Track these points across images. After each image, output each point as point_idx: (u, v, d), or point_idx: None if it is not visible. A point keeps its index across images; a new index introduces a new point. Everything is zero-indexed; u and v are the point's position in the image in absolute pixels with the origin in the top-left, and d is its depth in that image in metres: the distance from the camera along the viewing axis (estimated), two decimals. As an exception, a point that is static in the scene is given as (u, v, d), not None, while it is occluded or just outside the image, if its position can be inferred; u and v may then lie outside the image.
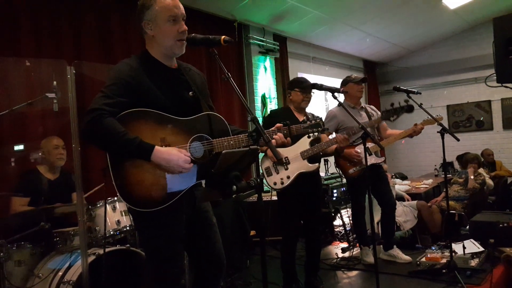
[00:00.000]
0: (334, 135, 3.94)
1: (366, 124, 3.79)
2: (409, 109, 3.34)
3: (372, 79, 9.38)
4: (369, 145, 3.63)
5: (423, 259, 3.86)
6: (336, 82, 6.72)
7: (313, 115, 3.37)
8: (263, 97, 6.07)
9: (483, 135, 8.49)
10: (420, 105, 3.44)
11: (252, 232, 4.50)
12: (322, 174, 4.58)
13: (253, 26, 5.98)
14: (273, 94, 6.25)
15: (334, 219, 5.31)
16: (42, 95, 2.81)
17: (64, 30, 3.85)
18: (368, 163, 3.40)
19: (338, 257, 4.27)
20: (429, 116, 3.58)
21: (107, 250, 2.71)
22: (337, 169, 3.79)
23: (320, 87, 3.02)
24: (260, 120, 5.36)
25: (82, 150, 2.63)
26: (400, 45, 8.54)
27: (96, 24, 4.11)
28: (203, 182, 1.93)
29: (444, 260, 3.68)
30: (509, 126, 8.24)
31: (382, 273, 3.47)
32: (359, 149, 3.46)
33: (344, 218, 5.14)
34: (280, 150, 2.96)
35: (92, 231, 2.99)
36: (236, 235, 4.20)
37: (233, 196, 4.25)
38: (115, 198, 3.06)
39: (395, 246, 4.02)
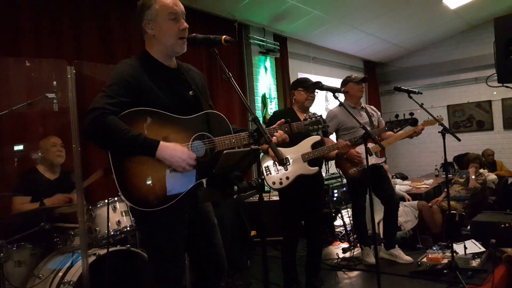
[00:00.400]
0: (334, 135, 3.94)
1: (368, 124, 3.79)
2: (414, 122, 3.39)
3: (372, 79, 9.37)
4: (370, 145, 3.62)
5: (424, 260, 3.85)
6: (336, 82, 6.71)
7: (313, 113, 3.37)
8: (264, 97, 6.07)
9: (483, 135, 8.49)
10: (421, 105, 3.45)
11: (253, 233, 4.50)
12: (323, 174, 4.56)
13: (253, 26, 5.98)
14: (274, 94, 6.25)
15: (335, 219, 5.30)
16: (42, 95, 2.81)
17: (65, 30, 3.84)
18: (369, 164, 3.39)
19: (339, 258, 4.26)
20: (429, 117, 3.58)
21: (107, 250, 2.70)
22: (338, 169, 3.79)
23: (322, 87, 3.02)
24: (260, 120, 5.36)
25: (82, 151, 2.63)
26: (400, 45, 8.53)
27: (96, 24, 4.11)
28: (204, 182, 1.93)
29: (445, 261, 3.68)
30: (509, 126, 8.23)
31: (383, 274, 3.46)
32: (360, 149, 3.46)
33: (344, 218, 5.14)
34: (281, 150, 2.99)
35: (93, 232, 2.98)
36: (236, 235, 4.19)
37: (234, 196, 4.26)
38: (116, 199, 3.05)
39: (396, 246, 4.01)
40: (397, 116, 3.47)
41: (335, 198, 5.85)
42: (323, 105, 7.62)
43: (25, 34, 3.57)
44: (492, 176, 5.53)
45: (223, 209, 3.97)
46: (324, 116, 3.88)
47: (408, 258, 3.90)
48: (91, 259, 2.62)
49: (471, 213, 4.87)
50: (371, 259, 3.92)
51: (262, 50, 6.10)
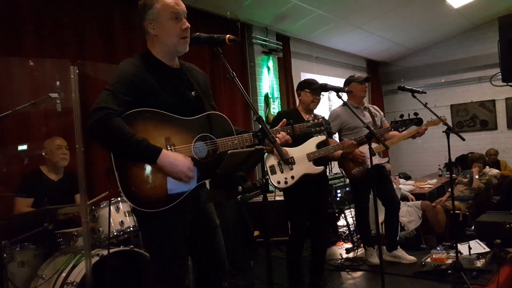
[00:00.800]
0: (337, 135, 3.93)
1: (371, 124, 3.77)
2: (418, 122, 3.37)
3: (375, 78, 9.35)
4: (373, 145, 3.61)
5: (428, 260, 3.82)
6: (339, 82, 6.69)
7: (316, 114, 3.37)
8: (266, 97, 6.06)
9: (487, 135, 8.45)
10: (425, 105, 3.43)
11: (256, 233, 4.49)
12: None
13: (256, 26, 5.97)
14: (276, 93, 6.24)
15: (338, 219, 5.29)
16: (46, 95, 2.80)
17: (67, 30, 3.84)
18: (372, 164, 3.38)
19: (342, 258, 4.25)
20: (433, 117, 3.57)
21: (110, 251, 2.70)
22: (341, 169, 3.78)
23: (327, 89, 3.02)
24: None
25: (85, 151, 2.62)
26: (403, 44, 8.50)
27: (99, 24, 4.11)
28: (208, 183, 1.92)
29: (449, 261, 3.65)
30: (513, 125, 8.21)
31: (387, 274, 3.44)
32: (363, 149, 3.45)
33: (348, 218, 5.12)
34: (286, 150, 2.98)
35: (96, 232, 2.98)
36: (239, 235, 4.18)
37: (239, 197, 4.26)
38: (119, 199, 3.05)
39: (398, 247, 3.99)
40: (402, 115, 3.46)
41: (338, 198, 5.84)
42: (326, 105, 7.61)
43: (28, 34, 3.57)
44: (494, 171, 5.53)
45: (225, 209, 3.97)
46: (327, 117, 3.88)
47: (411, 258, 3.89)
48: (95, 259, 2.62)
49: (475, 213, 4.85)
50: (375, 260, 3.91)
51: (265, 49, 6.09)
